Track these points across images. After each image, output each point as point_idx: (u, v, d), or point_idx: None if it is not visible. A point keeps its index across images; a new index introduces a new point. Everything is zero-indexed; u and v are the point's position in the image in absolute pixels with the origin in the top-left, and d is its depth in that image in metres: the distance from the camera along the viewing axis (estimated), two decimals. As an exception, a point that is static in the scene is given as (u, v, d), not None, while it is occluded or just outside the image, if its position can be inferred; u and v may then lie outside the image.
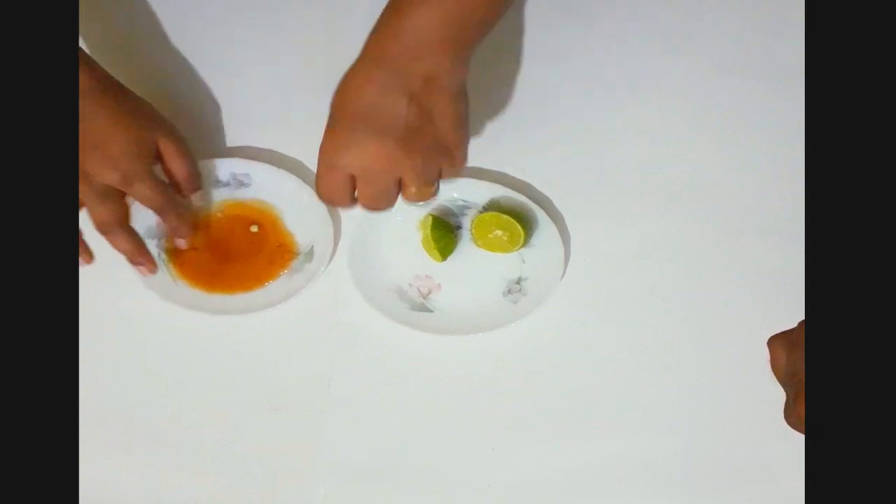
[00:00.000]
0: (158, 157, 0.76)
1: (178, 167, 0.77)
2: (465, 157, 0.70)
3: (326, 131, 0.67)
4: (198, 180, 0.79)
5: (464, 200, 0.83)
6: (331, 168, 0.67)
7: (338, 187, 0.68)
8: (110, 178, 0.72)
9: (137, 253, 0.77)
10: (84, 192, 0.73)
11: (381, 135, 0.65)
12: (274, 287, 0.81)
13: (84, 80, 0.71)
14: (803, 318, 0.56)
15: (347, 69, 0.66)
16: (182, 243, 0.80)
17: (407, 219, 0.83)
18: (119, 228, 0.75)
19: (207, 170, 0.83)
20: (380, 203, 0.69)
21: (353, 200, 0.70)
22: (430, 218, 0.80)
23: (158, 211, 0.76)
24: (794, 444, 0.56)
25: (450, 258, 0.82)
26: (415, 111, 0.65)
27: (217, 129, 0.86)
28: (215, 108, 0.86)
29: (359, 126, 0.65)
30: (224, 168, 0.83)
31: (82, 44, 0.84)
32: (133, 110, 0.75)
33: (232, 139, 0.86)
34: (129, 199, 0.76)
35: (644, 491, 0.77)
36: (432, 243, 0.80)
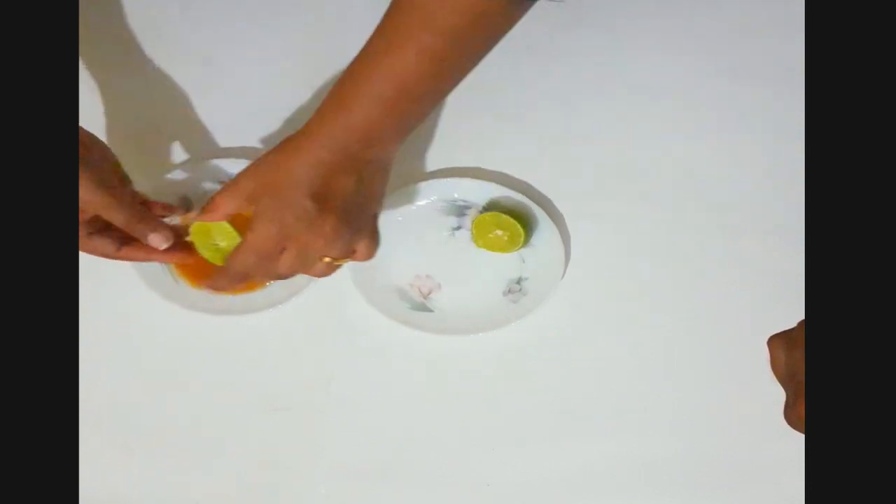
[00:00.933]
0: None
1: (122, 222, 0.69)
2: (377, 239, 0.73)
3: (267, 195, 0.67)
4: (145, 222, 0.71)
5: (464, 200, 0.83)
6: (272, 224, 0.67)
7: (270, 242, 0.68)
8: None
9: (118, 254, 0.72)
10: None
11: (328, 211, 0.67)
12: (275, 287, 0.81)
13: None
14: (803, 318, 0.56)
15: (286, 143, 0.68)
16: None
17: (407, 219, 0.83)
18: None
19: (209, 171, 0.83)
20: (298, 269, 0.70)
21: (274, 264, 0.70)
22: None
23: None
24: (794, 444, 0.56)
25: (450, 258, 0.82)
26: (360, 191, 0.68)
27: (218, 129, 0.86)
28: (217, 108, 0.86)
29: (301, 201, 0.67)
30: (225, 169, 0.83)
31: (82, 46, 0.84)
32: None
33: (233, 139, 0.86)
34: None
35: (644, 491, 0.77)
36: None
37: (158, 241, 0.71)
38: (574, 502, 0.77)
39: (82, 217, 0.68)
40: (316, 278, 0.73)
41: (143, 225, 0.70)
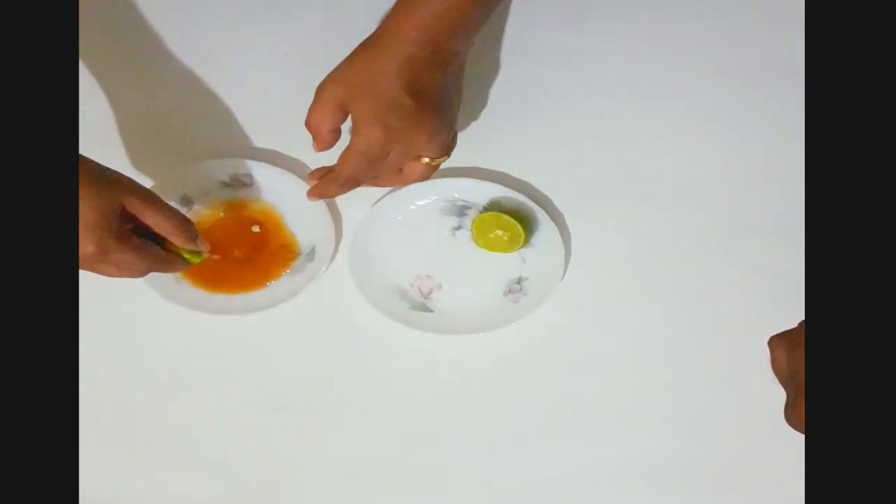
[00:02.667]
0: (131, 219, 0.68)
1: (157, 221, 0.69)
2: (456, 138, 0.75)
3: (363, 97, 0.68)
4: (186, 230, 0.71)
5: (464, 200, 0.83)
6: (376, 127, 0.68)
7: (378, 144, 0.68)
8: (85, 252, 0.66)
9: (164, 263, 0.71)
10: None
11: (426, 107, 0.68)
12: (275, 287, 0.81)
13: None
14: (803, 318, 0.56)
15: (368, 45, 0.69)
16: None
17: (407, 219, 0.83)
18: (138, 270, 0.70)
19: (210, 170, 0.83)
20: (401, 165, 0.72)
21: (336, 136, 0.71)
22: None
23: (148, 272, 0.71)
24: (794, 444, 0.56)
25: (451, 258, 0.82)
26: (448, 85, 0.69)
27: (219, 130, 0.86)
28: (217, 108, 0.86)
29: (400, 99, 0.67)
30: (226, 168, 0.83)
31: (82, 46, 0.84)
32: (84, 180, 0.65)
33: (234, 139, 0.86)
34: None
35: (644, 491, 0.77)
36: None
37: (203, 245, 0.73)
38: (574, 502, 0.77)
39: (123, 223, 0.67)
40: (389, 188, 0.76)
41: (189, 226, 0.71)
